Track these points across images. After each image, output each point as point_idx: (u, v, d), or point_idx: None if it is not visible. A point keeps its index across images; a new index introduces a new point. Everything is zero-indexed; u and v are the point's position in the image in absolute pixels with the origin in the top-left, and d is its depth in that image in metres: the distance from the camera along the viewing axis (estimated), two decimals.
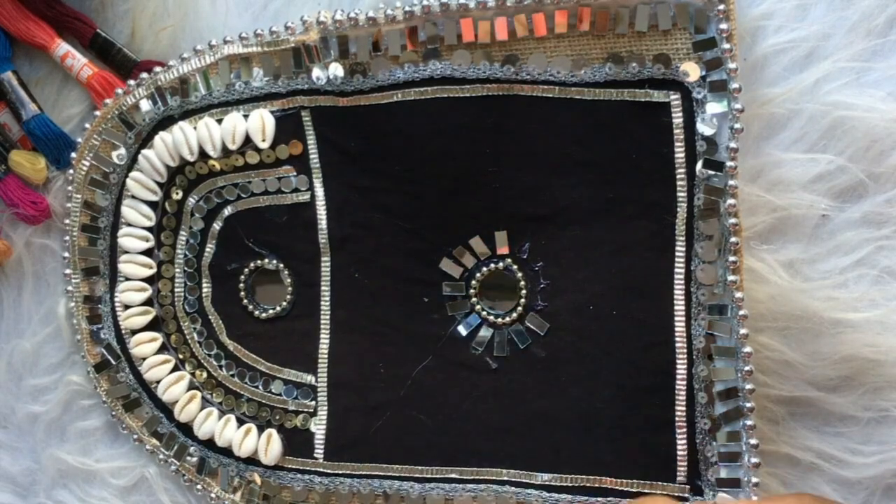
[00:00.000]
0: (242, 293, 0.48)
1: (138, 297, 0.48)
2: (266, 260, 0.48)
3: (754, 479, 0.42)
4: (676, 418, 0.43)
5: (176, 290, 0.49)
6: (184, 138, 0.46)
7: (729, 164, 0.41)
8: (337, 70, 0.45)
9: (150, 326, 0.49)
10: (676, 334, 0.43)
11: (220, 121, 0.46)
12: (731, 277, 0.41)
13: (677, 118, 0.42)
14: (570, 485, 0.44)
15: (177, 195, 0.48)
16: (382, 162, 0.45)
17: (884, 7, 0.41)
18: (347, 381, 0.47)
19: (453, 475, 0.46)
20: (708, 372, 0.42)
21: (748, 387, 0.41)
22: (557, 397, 0.44)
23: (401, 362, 0.46)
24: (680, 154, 0.42)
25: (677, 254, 0.42)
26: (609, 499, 0.44)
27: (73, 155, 0.48)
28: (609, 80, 0.42)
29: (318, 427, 0.47)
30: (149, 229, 0.48)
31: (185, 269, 0.48)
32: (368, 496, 0.47)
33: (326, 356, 0.47)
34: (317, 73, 0.45)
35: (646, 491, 0.43)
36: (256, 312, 0.48)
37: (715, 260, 0.42)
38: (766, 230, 0.43)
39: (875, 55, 0.42)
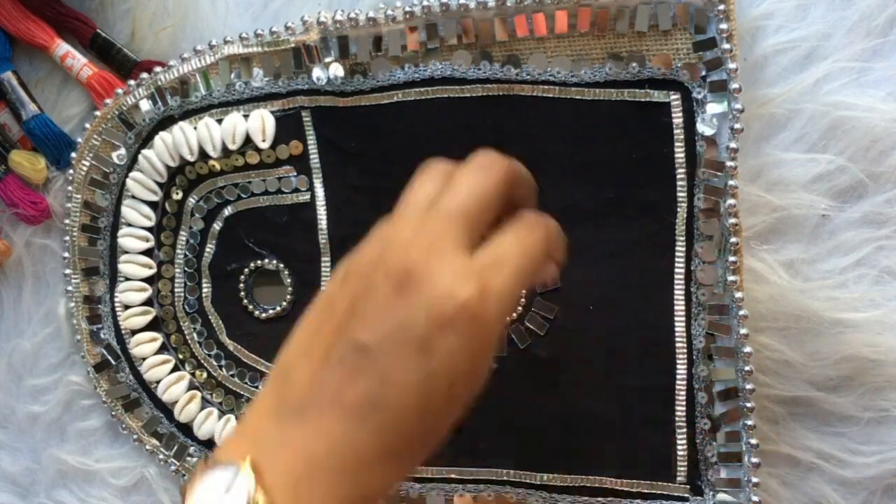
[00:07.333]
0: (242, 293, 0.48)
1: (138, 297, 0.48)
2: (266, 260, 0.48)
3: (754, 479, 0.42)
4: (676, 418, 0.43)
5: (176, 290, 0.49)
6: (184, 138, 0.46)
7: (729, 164, 0.41)
8: (337, 70, 0.45)
9: (150, 326, 0.49)
10: (676, 334, 0.43)
11: (220, 121, 0.46)
12: (731, 277, 0.41)
13: (677, 118, 0.42)
14: (571, 485, 0.44)
15: (177, 195, 0.48)
16: (382, 162, 0.45)
17: (884, 7, 0.41)
18: None
19: (453, 475, 0.46)
20: (708, 372, 0.42)
21: (748, 387, 0.42)
22: (557, 397, 0.44)
23: None
24: (680, 154, 0.42)
25: (677, 254, 0.42)
26: (609, 499, 0.44)
27: (73, 155, 0.48)
28: (609, 80, 0.42)
29: None
30: (149, 229, 0.48)
31: (185, 269, 0.48)
32: None
33: None
34: (317, 73, 0.45)
35: (645, 491, 0.43)
36: (256, 312, 0.48)
37: (715, 260, 0.42)
38: (766, 230, 0.43)
39: (875, 55, 0.42)
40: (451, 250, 0.31)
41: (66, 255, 0.49)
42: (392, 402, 0.30)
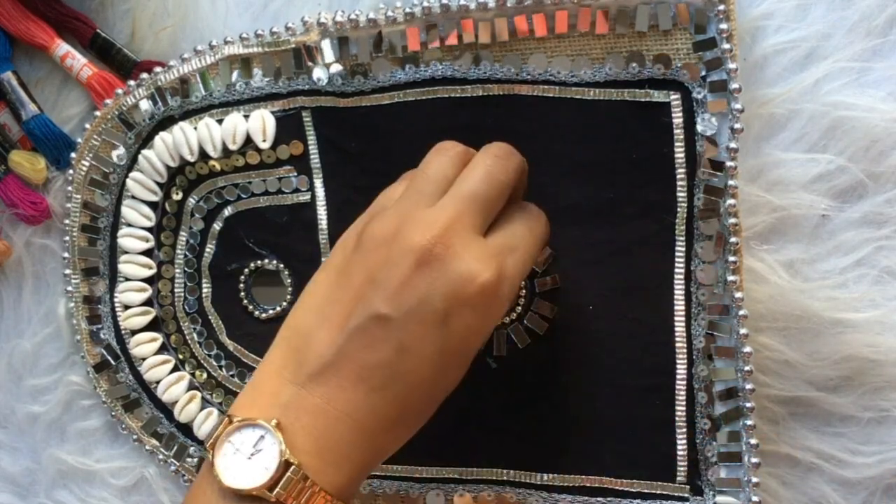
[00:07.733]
0: (242, 293, 0.48)
1: (138, 298, 0.48)
2: (266, 260, 0.48)
3: (754, 479, 0.42)
4: (676, 418, 0.43)
5: (176, 290, 0.49)
6: (184, 138, 0.46)
7: (729, 164, 0.41)
8: (338, 70, 0.45)
9: (150, 327, 0.49)
10: (676, 334, 0.43)
11: (220, 121, 0.46)
12: (731, 277, 0.41)
13: (677, 118, 0.42)
14: (570, 485, 0.44)
15: (177, 195, 0.48)
16: (383, 162, 0.45)
17: (884, 7, 0.41)
18: None
19: (453, 475, 0.46)
20: (708, 372, 0.42)
21: (748, 387, 0.42)
22: (557, 397, 0.44)
23: None
24: (680, 154, 0.42)
25: (677, 254, 0.42)
26: (609, 499, 0.44)
27: (73, 155, 0.48)
28: (609, 80, 0.42)
29: None
30: (149, 229, 0.48)
31: (185, 269, 0.48)
32: (368, 496, 0.47)
33: None
34: (318, 73, 0.45)
35: (645, 491, 0.43)
36: (256, 313, 0.48)
37: (715, 260, 0.42)
38: (766, 230, 0.43)
39: (875, 55, 0.42)
40: (470, 233, 0.33)
41: (66, 255, 0.49)
42: (409, 372, 0.32)
